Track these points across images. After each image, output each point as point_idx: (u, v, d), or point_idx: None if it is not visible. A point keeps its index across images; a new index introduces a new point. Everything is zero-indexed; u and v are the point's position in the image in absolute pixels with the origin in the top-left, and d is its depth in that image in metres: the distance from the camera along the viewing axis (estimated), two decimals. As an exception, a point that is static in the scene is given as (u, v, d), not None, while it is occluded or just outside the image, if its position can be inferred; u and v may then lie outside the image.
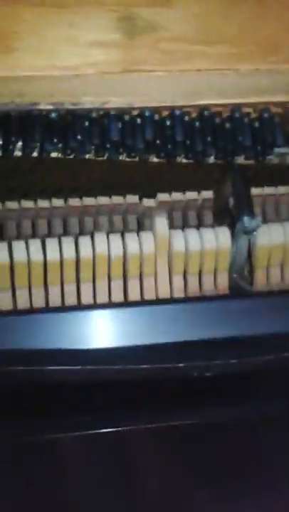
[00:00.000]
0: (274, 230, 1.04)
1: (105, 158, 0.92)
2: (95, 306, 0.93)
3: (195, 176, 1.06)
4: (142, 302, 0.94)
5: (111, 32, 0.88)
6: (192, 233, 1.02)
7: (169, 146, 0.91)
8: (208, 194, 1.07)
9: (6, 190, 1.00)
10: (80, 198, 1.04)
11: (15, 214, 1.02)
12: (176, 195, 1.07)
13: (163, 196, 1.06)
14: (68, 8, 0.86)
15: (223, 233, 1.02)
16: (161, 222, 1.00)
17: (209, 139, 0.91)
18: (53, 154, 0.92)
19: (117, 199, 1.05)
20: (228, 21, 0.89)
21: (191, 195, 1.07)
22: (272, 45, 0.89)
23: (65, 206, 1.04)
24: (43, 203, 1.03)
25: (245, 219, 1.02)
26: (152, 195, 1.05)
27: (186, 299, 0.95)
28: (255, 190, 1.08)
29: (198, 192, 1.07)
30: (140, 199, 1.05)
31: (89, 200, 1.04)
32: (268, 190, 1.09)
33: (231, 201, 1.06)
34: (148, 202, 1.04)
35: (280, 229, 1.04)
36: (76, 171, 1.01)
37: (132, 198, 1.05)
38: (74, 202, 1.04)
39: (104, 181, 1.04)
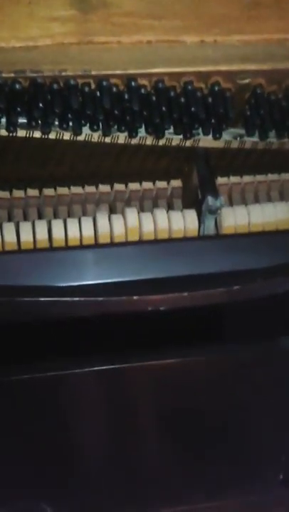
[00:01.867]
0: (238, 211, 1.10)
1: (70, 132, 0.98)
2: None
3: (163, 164, 1.13)
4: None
5: (67, 9, 0.97)
6: (161, 214, 1.08)
7: (128, 118, 0.98)
8: (177, 183, 1.13)
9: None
10: (54, 188, 1.10)
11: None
12: (147, 184, 1.12)
13: (134, 185, 1.12)
14: (28, -12, 0.96)
15: (190, 214, 1.08)
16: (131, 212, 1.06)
17: (164, 109, 0.98)
18: (20, 134, 0.99)
19: (89, 188, 1.11)
20: (173, -2, 0.98)
21: (161, 184, 1.13)
22: (214, 19, 0.98)
23: (40, 196, 1.10)
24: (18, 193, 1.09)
25: (210, 198, 1.08)
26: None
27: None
28: (221, 180, 1.14)
29: (168, 181, 1.13)
30: (111, 187, 1.11)
31: (62, 190, 1.11)
32: (233, 179, 1.14)
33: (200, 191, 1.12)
34: (118, 187, 1.10)
35: (244, 210, 1.10)
36: (47, 159, 1.08)
37: (104, 188, 1.12)
38: (48, 192, 1.10)
39: (77, 171, 1.11)
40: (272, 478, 1.00)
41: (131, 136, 1.00)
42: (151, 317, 0.92)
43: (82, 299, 0.91)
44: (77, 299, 0.90)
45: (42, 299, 0.90)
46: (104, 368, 0.94)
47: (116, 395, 0.96)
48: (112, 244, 1.01)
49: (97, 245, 1.01)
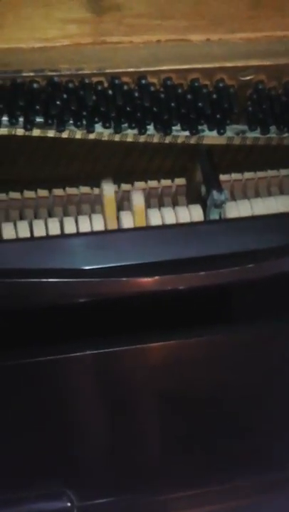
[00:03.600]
0: (241, 205, 1.15)
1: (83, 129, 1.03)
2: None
3: (167, 163, 1.18)
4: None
5: (82, 11, 1.03)
6: (167, 210, 1.12)
7: (138, 114, 1.03)
8: (181, 181, 1.18)
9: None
10: (64, 188, 1.15)
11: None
12: (152, 183, 1.17)
13: (139, 184, 1.17)
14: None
15: (196, 209, 1.13)
16: (137, 198, 1.10)
17: (173, 105, 1.03)
18: (35, 133, 1.03)
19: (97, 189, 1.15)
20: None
21: (166, 182, 1.18)
22: (219, 19, 1.04)
23: (49, 196, 1.14)
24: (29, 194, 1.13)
25: (214, 193, 1.12)
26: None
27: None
28: (223, 177, 1.19)
29: (172, 180, 1.18)
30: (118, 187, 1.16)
31: (71, 190, 1.15)
32: (235, 176, 1.19)
33: (203, 188, 1.17)
34: (125, 187, 1.15)
35: (247, 204, 1.15)
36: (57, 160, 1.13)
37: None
38: (58, 192, 1.14)
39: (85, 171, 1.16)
40: (286, 457, 1.04)
41: (140, 132, 1.05)
42: (157, 300, 0.96)
43: (103, 279, 0.94)
44: (98, 279, 0.94)
45: (54, 280, 0.94)
46: (107, 350, 0.98)
47: (122, 379, 0.99)
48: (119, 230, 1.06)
49: (106, 231, 1.05)
